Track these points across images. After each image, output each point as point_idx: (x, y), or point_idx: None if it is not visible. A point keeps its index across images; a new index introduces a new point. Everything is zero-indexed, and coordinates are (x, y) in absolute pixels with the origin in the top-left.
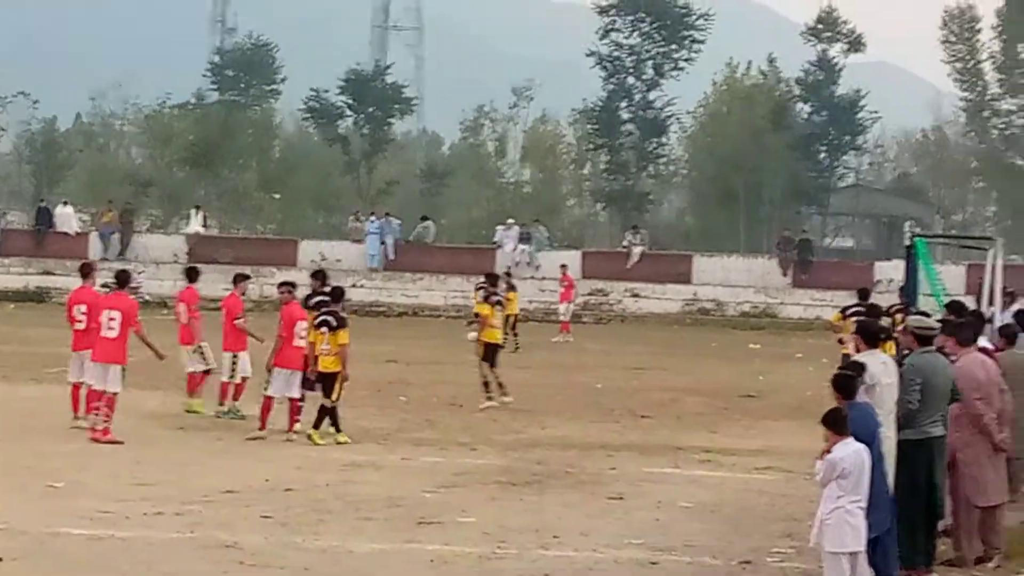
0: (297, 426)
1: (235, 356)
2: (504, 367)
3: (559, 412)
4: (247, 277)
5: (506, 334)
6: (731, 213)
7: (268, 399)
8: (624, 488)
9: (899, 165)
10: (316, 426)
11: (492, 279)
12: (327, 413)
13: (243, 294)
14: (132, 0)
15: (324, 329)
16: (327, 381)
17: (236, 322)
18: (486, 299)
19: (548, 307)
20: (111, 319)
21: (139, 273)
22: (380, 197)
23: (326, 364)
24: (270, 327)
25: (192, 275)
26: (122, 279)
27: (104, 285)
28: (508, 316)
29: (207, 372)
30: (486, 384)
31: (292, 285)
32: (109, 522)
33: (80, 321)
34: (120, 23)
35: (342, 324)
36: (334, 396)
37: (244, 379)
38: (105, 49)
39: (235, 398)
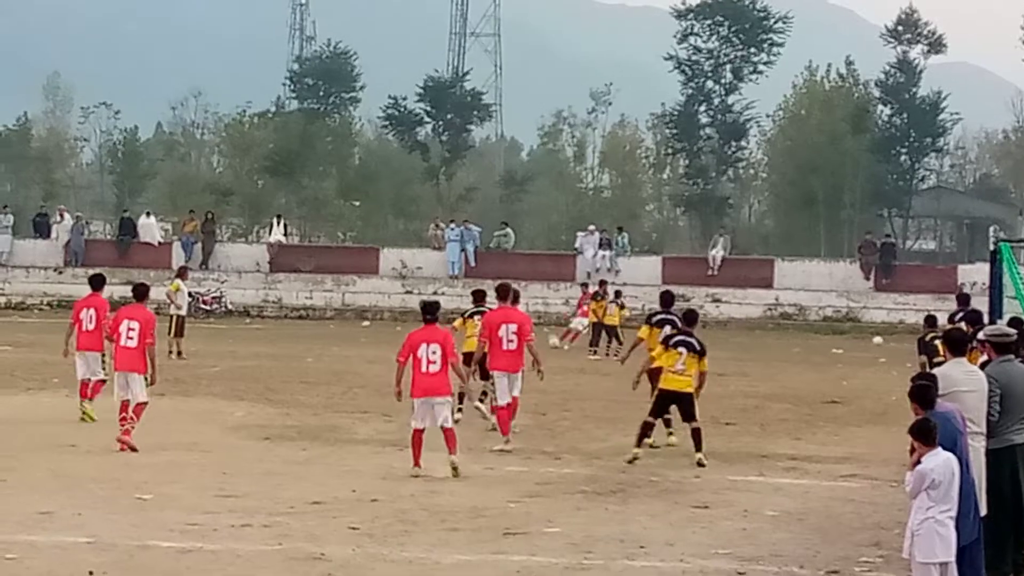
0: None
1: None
2: (588, 374)
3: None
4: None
5: (621, 341)
6: (811, 217)
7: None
8: (709, 497)
9: (981, 166)
10: (698, 449)
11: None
12: (699, 434)
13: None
14: (210, 9)
15: (682, 349)
16: (684, 402)
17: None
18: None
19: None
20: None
21: (222, 282)
22: (459, 204)
23: (681, 384)
24: (352, 334)
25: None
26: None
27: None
28: (611, 326)
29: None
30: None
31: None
32: (197, 534)
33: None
34: (199, 32)
35: (704, 352)
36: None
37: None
38: (184, 58)
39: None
